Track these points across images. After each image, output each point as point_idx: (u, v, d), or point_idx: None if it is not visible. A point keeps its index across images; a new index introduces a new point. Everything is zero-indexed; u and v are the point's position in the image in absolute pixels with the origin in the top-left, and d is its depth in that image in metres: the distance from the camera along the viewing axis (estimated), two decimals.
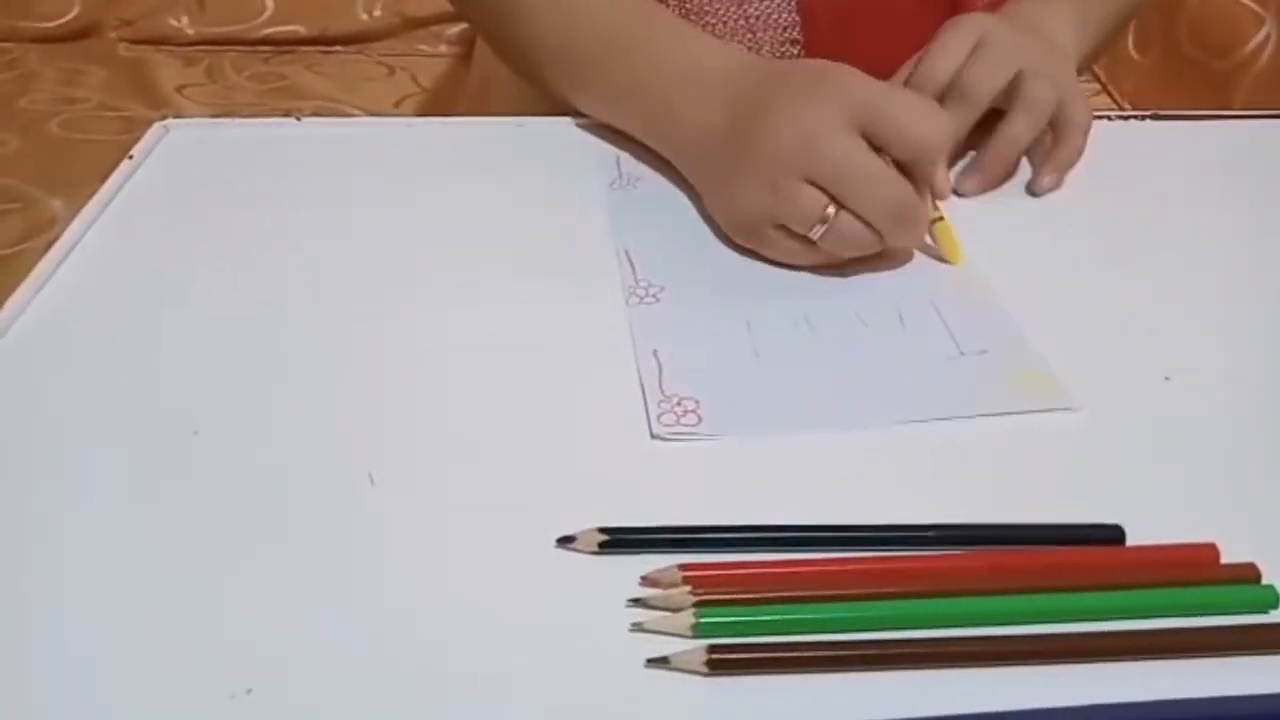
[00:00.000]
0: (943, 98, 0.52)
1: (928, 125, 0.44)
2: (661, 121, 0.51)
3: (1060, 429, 0.39)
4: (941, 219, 0.47)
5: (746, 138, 0.46)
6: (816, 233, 0.44)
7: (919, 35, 0.54)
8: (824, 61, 0.47)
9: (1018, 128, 0.51)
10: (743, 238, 0.47)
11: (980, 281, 0.46)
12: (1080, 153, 0.53)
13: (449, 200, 0.52)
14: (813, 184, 0.44)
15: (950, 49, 0.52)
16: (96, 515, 0.35)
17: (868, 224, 0.44)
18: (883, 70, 0.51)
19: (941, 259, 0.47)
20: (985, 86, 0.51)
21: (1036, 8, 0.57)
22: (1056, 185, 0.53)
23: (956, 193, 0.52)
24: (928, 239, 0.47)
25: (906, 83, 0.53)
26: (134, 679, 0.30)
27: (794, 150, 0.44)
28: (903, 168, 0.45)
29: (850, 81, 0.45)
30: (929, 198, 0.47)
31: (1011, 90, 0.51)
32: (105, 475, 0.36)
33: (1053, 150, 0.53)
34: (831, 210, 0.44)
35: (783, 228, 0.45)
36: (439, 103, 1.17)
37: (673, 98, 0.50)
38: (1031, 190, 0.53)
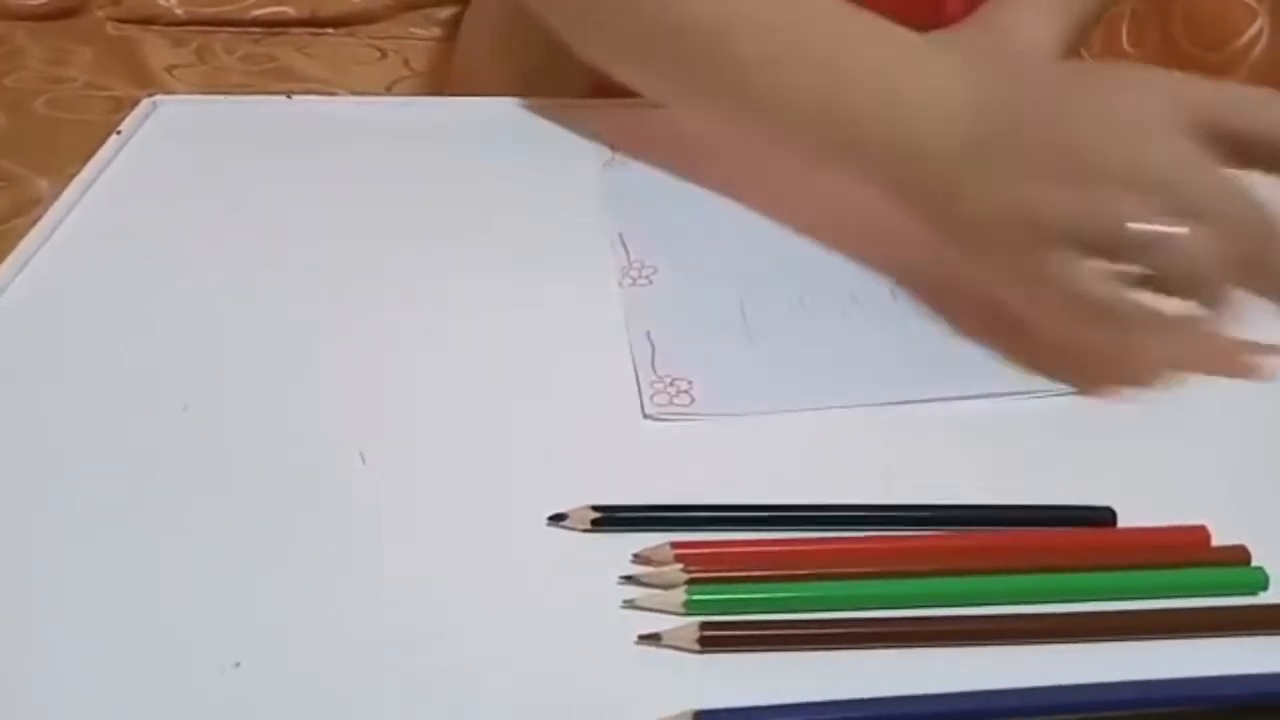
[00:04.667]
0: None
1: None
2: (870, 119, 0.40)
3: (1052, 411, 0.39)
4: None
5: (1030, 127, 0.37)
6: (1136, 257, 0.34)
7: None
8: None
9: None
10: (1001, 260, 0.37)
11: None
12: None
13: (441, 180, 0.51)
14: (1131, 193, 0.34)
15: None
16: (83, 492, 0.34)
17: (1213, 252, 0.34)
18: None
19: None
20: None
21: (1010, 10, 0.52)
22: None
23: None
24: None
25: None
26: (122, 652, 0.29)
27: (1112, 146, 0.35)
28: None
29: (1170, 74, 0.37)
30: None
31: None
32: (93, 451, 0.36)
33: None
34: (1168, 229, 0.33)
35: (1072, 247, 0.35)
36: (432, 86, 1.17)
37: (896, 86, 0.40)
38: None
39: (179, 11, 1.26)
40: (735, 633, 0.30)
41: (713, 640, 0.29)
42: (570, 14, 0.50)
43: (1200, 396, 0.40)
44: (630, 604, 0.31)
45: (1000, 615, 0.31)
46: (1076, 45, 0.68)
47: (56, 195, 0.49)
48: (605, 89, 0.56)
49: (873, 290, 0.44)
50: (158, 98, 0.57)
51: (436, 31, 1.29)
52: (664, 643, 0.30)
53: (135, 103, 0.57)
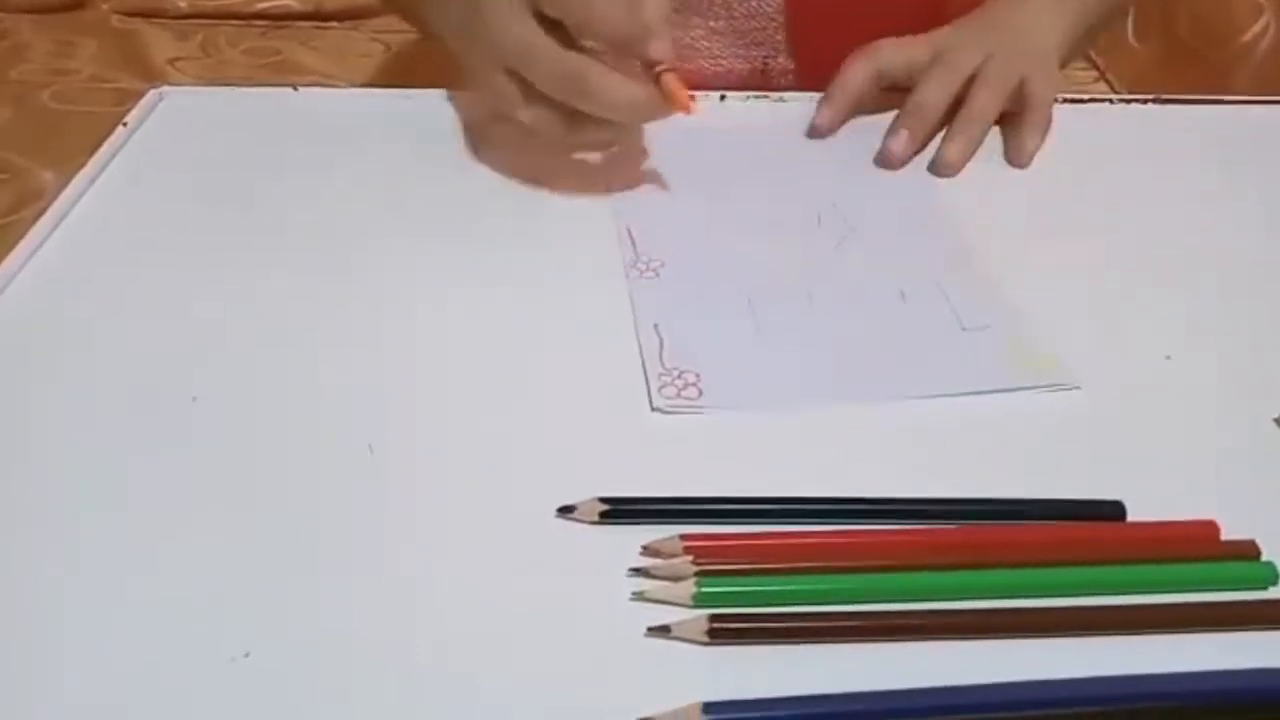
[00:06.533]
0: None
1: (608, 9, 0.45)
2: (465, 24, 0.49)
3: (1062, 406, 0.39)
4: (668, 71, 0.46)
5: (468, 38, 0.48)
6: (525, 116, 0.47)
7: (903, 27, 0.55)
8: None
9: (977, 100, 0.53)
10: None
11: (983, 259, 0.46)
12: (1045, 126, 0.55)
13: (448, 171, 0.51)
14: (509, 72, 0.46)
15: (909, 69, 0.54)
16: (93, 482, 0.34)
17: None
18: None
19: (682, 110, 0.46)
20: (933, 101, 0.53)
21: (1009, 3, 0.58)
22: (1031, 158, 0.54)
23: (937, 171, 0.53)
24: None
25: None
26: (132, 642, 0.29)
27: (488, 43, 0.46)
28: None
29: None
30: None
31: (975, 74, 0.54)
32: (102, 442, 0.36)
33: (1019, 125, 0.54)
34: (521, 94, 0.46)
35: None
36: (436, 81, 1.16)
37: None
38: (1014, 163, 0.54)
39: (183, 4, 1.26)
40: (744, 625, 0.30)
41: (721, 633, 0.29)
42: None
43: (1210, 391, 0.40)
44: (639, 596, 0.31)
45: (1010, 609, 0.31)
46: (1083, 48, 0.70)
47: (62, 187, 0.49)
48: None
49: (881, 285, 0.44)
50: (163, 89, 0.57)
51: None
52: (673, 635, 0.30)
53: (140, 95, 0.57)
